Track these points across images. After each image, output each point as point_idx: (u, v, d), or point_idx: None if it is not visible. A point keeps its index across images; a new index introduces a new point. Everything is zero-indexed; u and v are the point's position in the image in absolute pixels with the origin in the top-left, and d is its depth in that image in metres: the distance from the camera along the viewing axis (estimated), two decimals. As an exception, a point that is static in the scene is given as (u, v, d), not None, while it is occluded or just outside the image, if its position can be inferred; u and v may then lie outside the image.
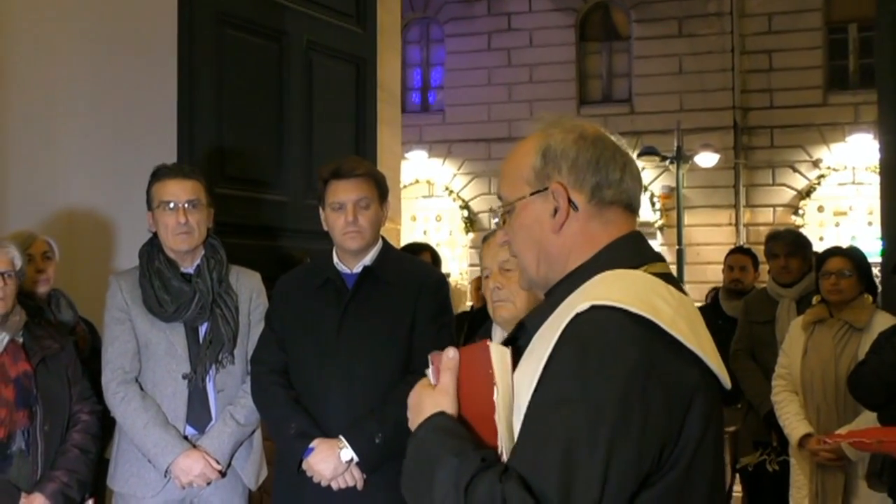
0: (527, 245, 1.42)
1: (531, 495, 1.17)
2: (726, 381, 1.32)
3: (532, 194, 1.39)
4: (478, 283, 6.20)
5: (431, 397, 1.37)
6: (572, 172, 1.37)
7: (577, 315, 1.23)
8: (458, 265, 13.96)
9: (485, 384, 1.32)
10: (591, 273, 1.33)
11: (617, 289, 1.26)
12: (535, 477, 1.18)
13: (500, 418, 1.31)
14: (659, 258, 1.40)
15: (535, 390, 1.24)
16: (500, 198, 1.48)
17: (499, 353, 1.34)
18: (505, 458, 1.28)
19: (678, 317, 1.26)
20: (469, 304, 5.97)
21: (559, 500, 1.16)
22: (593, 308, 1.23)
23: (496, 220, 1.50)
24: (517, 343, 1.40)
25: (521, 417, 1.26)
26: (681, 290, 1.35)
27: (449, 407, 1.35)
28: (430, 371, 1.43)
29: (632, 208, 1.41)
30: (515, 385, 1.31)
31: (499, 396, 1.30)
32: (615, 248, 1.36)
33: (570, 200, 1.37)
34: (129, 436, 2.81)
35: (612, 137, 1.43)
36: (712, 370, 1.29)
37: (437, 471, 1.25)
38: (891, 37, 4.48)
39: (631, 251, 1.37)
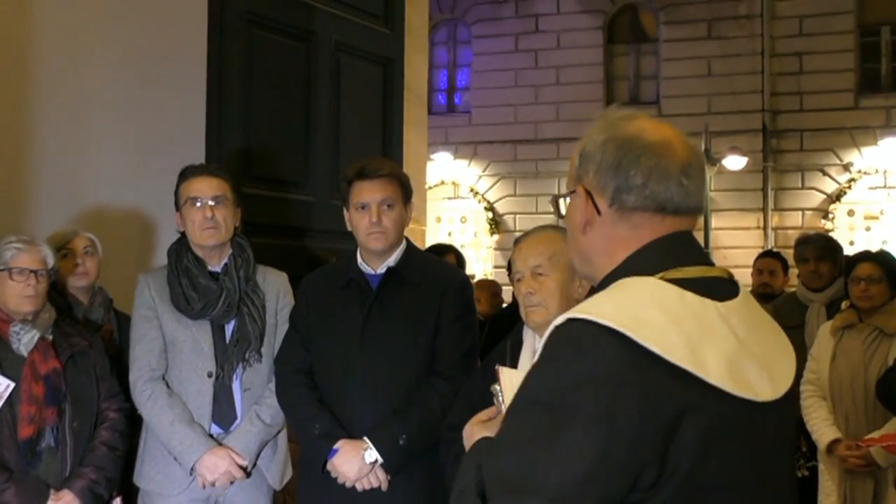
0: (569, 239, 1.43)
1: (483, 500, 1.20)
2: (749, 393, 1.20)
3: (570, 193, 1.39)
4: (487, 291, 6.13)
5: (479, 429, 1.52)
6: (597, 176, 1.34)
7: (556, 327, 1.22)
8: (482, 266, 13.93)
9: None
10: (613, 281, 1.30)
11: (605, 300, 1.24)
12: (489, 480, 1.20)
13: None
14: (688, 261, 1.31)
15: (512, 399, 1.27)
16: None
17: (508, 374, 1.42)
18: None
19: (673, 330, 1.18)
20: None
21: None
22: (569, 320, 1.21)
23: (563, 209, 1.47)
24: None
25: None
26: (713, 296, 1.26)
27: (490, 433, 1.44)
28: (497, 387, 1.51)
29: (665, 211, 1.33)
30: None
31: (503, 408, 1.39)
32: (641, 254, 1.32)
33: (596, 205, 1.34)
34: (156, 433, 2.83)
35: (656, 138, 1.34)
36: (720, 386, 1.18)
37: (457, 483, 1.33)
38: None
39: (655, 257, 1.31)
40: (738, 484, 1.21)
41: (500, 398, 1.51)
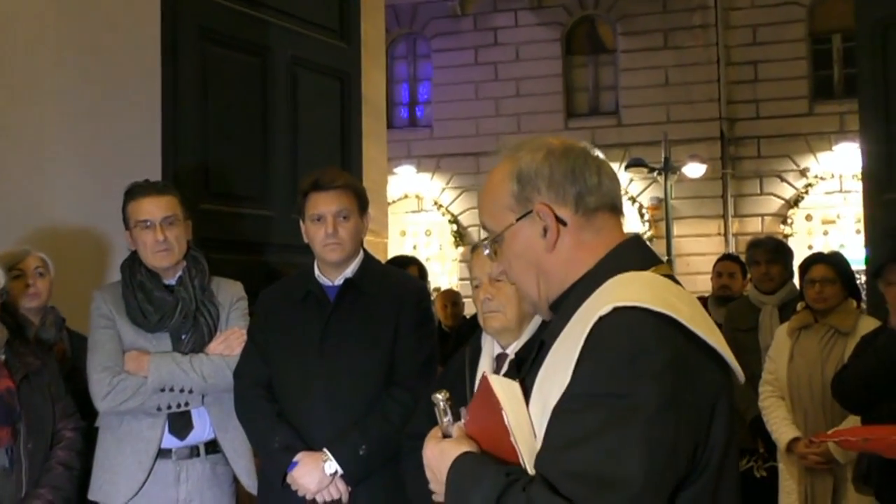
0: (524, 270, 1.42)
1: (560, 496, 1.15)
2: (741, 376, 1.32)
3: (518, 220, 1.39)
4: (444, 300, 6.17)
5: (451, 445, 1.39)
6: (552, 189, 1.37)
7: (601, 318, 1.22)
8: (447, 279, 13.95)
9: (495, 413, 1.32)
10: (601, 279, 1.32)
11: (636, 290, 1.25)
12: (564, 479, 1.16)
13: (516, 438, 1.29)
14: (660, 260, 1.39)
15: (562, 396, 1.23)
16: (485, 228, 1.48)
17: (502, 382, 1.36)
18: (530, 470, 1.26)
19: (696, 315, 1.26)
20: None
21: (595, 500, 1.14)
22: (616, 309, 1.22)
23: (487, 251, 1.50)
24: (537, 358, 1.39)
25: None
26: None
27: (470, 448, 1.36)
28: (439, 396, 1.45)
29: (617, 209, 1.41)
30: (541, 398, 1.30)
31: (508, 417, 1.30)
32: (621, 252, 1.36)
33: (557, 217, 1.37)
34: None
35: (581, 144, 1.43)
36: (731, 367, 1.29)
37: (471, 497, 1.26)
38: (870, 46, 4.51)
39: (638, 254, 1.37)
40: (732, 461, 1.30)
41: (442, 407, 1.46)
